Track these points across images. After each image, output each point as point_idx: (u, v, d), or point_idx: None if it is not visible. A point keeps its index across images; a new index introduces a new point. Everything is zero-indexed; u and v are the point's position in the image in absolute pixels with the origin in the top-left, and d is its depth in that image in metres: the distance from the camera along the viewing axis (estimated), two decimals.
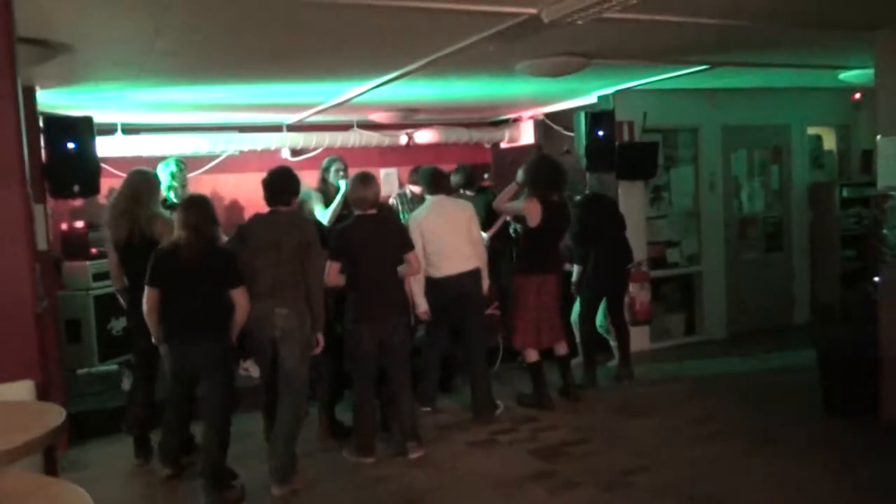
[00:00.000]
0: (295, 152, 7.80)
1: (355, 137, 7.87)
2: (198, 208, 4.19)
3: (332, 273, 4.55)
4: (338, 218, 5.87)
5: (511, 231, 6.43)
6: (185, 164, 6.31)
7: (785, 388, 5.89)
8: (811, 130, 8.28)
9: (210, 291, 4.11)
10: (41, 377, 2.94)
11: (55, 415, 2.06)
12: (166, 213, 4.90)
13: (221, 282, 4.11)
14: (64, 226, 6.63)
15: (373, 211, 4.75)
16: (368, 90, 5.81)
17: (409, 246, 4.83)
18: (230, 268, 4.15)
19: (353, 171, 5.99)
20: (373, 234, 4.69)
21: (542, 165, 5.61)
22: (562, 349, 5.73)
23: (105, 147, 6.57)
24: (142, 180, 4.84)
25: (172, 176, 5.98)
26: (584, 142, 6.68)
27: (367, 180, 4.73)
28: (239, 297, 4.11)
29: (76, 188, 5.27)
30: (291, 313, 4.20)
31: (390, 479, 4.49)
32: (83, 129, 5.27)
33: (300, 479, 4.34)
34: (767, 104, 7.62)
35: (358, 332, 4.67)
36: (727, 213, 7.69)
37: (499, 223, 6.41)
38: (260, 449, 4.58)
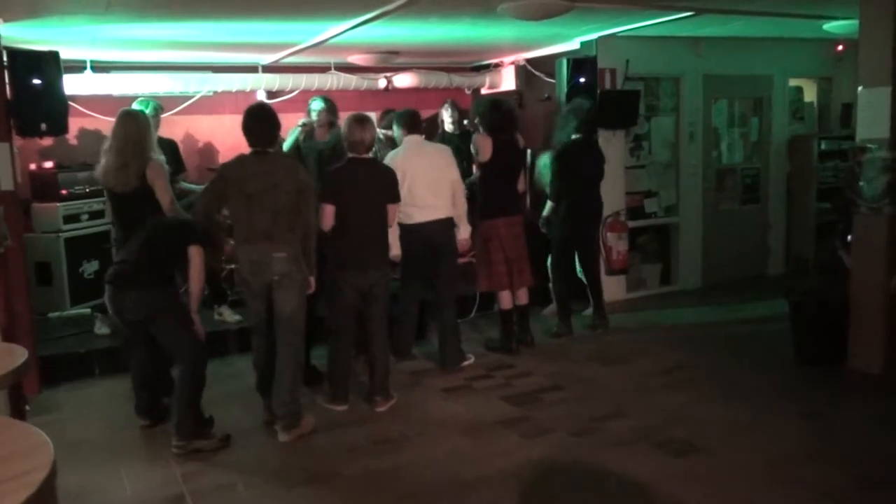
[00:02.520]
0: (271, 94, 7.63)
1: (333, 80, 7.70)
2: None
3: (328, 216, 4.47)
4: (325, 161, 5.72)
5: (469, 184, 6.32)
6: (162, 108, 6.15)
7: (757, 338, 5.98)
8: (792, 82, 8.24)
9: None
10: (4, 319, 2.88)
11: (17, 356, 2.01)
12: (161, 157, 4.77)
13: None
14: (33, 166, 6.47)
15: (368, 155, 4.66)
16: (346, 30, 5.65)
17: (397, 197, 4.75)
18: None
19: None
20: (365, 179, 4.59)
21: (492, 104, 5.64)
22: (522, 297, 5.73)
23: (74, 85, 6.39)
24: (139, 127, 4.62)
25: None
26: (565, 88, 6.59)
27: (362, 122, 4.60)
28: (194, 252, 4.05)
29: (43, 126, 5.11)
30: (289, 257, 4.14)
31: (365, 423, 4.51)
32: (49, 64, 5.10)
33: (307, 425, 4.34)
34: (750, 55, 7.55)
35: (340, 282, 4.61)
36: (706, 164, 7.68)
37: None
38: (244, 393, 4.57)
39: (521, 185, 5.75)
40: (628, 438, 4.15)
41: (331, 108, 5.89)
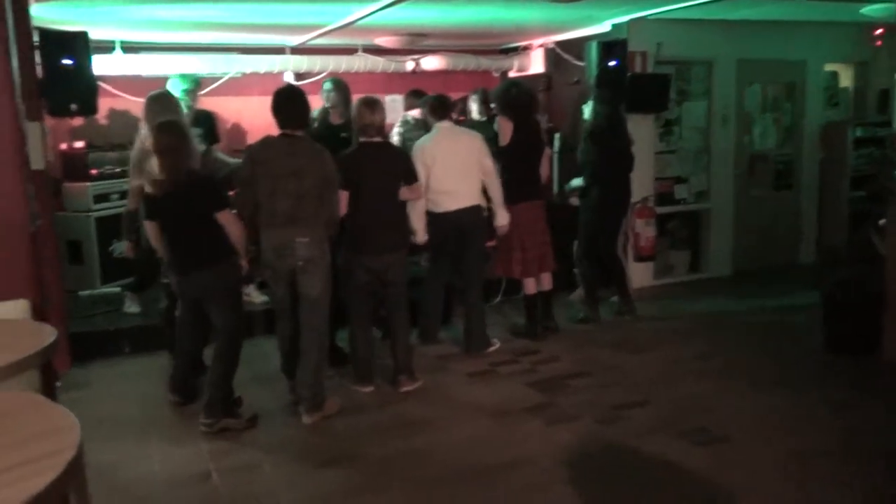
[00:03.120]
0: (299, 76, 7.62)
1: (360, 62, 7.68)
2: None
3: (344, 202, 4.45)
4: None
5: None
6: (198, 82, 6.10)
7: (787, 327, 5.89)
8: (828, 67, 8.05)
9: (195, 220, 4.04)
10: (36, 296, 2.92)
11: (46, 335, 2.03)
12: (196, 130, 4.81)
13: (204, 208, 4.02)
14: (64, 146, 6.54)
15: (378, 138, 4.63)
16: (374, 12, 5.62)
17: (413, 177, 4.73)
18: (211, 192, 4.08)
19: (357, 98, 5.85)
20: (377, 162, 4.57)
21: (509, 87, 5.57)
22: (546, 282, 5.69)
23: (104, 65, 6.42)
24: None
25: (185, 93, 5.82)
26: (594, 72, 6.50)
27: (372, 105, 4.57)
28: (225, 219, 4.02)
29: (73, 107, 5.14)
30: (312, 242, 4.14)
31: (389, 405, 4.53)
32: (79, 45, 5.11)
33: (331, 406, 4.36)
34: (784, 38, 7.39)
35: (351, 264, 4.61)
36: (738, 149, 7.56)
37: None
38: (270, 374, 4.59)
39: (545, 170, 5.68)
40: (654, 426, 4.12)
41: (341, 89, 5.62)
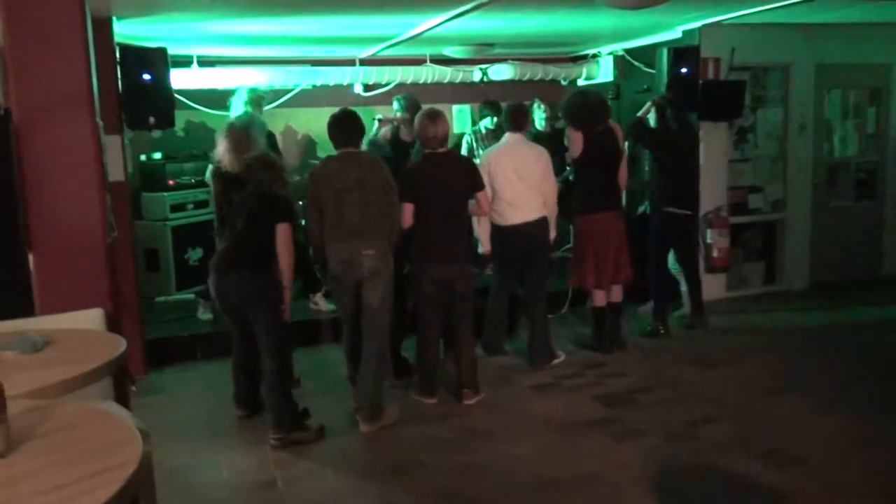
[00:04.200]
0: (367, 87, 7.72)
1: (428, 72, 7.72)
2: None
3: (407, 214, 4.49)
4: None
5: (563, 179, 6.19)
6: (261, 97, 6.14)
7: (866, 344, 5.63)
8: None
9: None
10: (111, 306, 3.02)
11: (116, 345, 2.09)
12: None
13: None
14: (143, 157, 6.78)
15: (442, 149, 4.65)
16: (442, 23, 5.64)
17: (480, 185, 4.70)
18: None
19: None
20: (441, 173, 4.58)
21: (576, 97, 5.46)
22: (616, 295, 5.57)
23: (182, 79, 6.62)
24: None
25: (247, 103, 5.90)
26: (665, 79, 6.37)
27: (435, 117, 4.59)
28: (283, 232, 4.08)
29: (151, 120, 5.34)
30: (378, 254, 4.20)
31: (452, 417, 4.52)
32: (157, 60, 5.32)
33: (390, 416, 4.39)
34: (867, 42, 7.09)
35: (419, 274, 4.63)
36: (817, 157, 7.29)
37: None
38: (334, 383, 4.65)
39: (623, 176, 5.49)
40: (725, 446, 3.98)
41: (411, 106, 5.57)
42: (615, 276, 5.45)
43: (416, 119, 4.67)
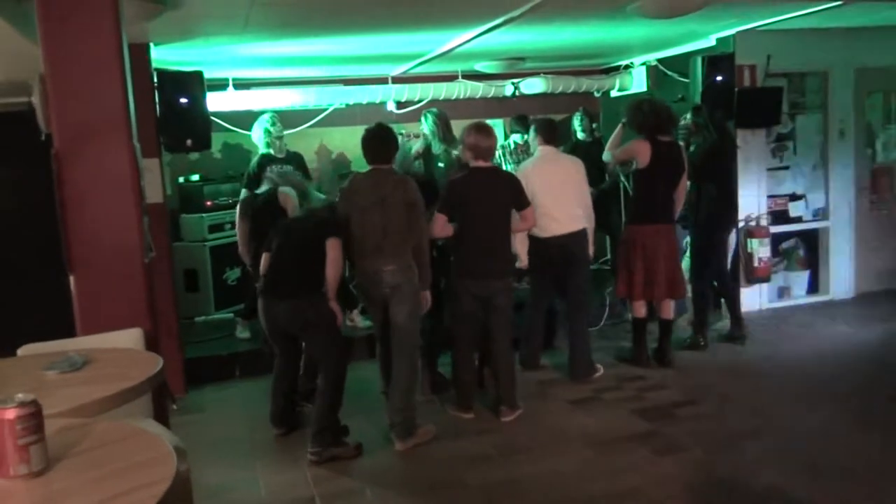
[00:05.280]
0: (400, 104, 7.77)
1: (460, 88, 7.75)
2: None
3: (439, 224, 4.47)
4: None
5: (620, 182, 6.16)
6: (278, 117, 6.25)
7: None
8: None
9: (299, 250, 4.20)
10: (150, 325, 3.06)
11: (153, 364, 2.12)
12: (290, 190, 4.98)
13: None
14: (181, 179, 6.90)
15: (489, 164, 4.63)
16: (473, 38, 5.66)
17: (526, 202, 4.63)
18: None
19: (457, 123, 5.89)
20: (487, 188, 4.54)
21: (643, 104, 5.37)
22: (667, 311, 5.47)
23: (218, 102, 6.74)
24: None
25: (267, 132, 6.03)
26: (699, 88, 6.30)
27: (483, 130, 4.58)
28: (333, 246, 4.11)
29: (188, 143, 5.44)
30: (398, 270, 4.20)
31: (490, 433, 4.48)
32: (194, 84, 5.42)
33: (424, 433, 4.36)
34: None
35: (459, 289, 4.61)
36: (859, 163, 7.13)
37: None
38: (370, 399, 4.66)
39: (682, 191, 5.37)
40: (769, 459, 3.88)
41: (439, 122, 5.69)
42: (670, 291, 5.35)
43: (465, 131, 4.65)
